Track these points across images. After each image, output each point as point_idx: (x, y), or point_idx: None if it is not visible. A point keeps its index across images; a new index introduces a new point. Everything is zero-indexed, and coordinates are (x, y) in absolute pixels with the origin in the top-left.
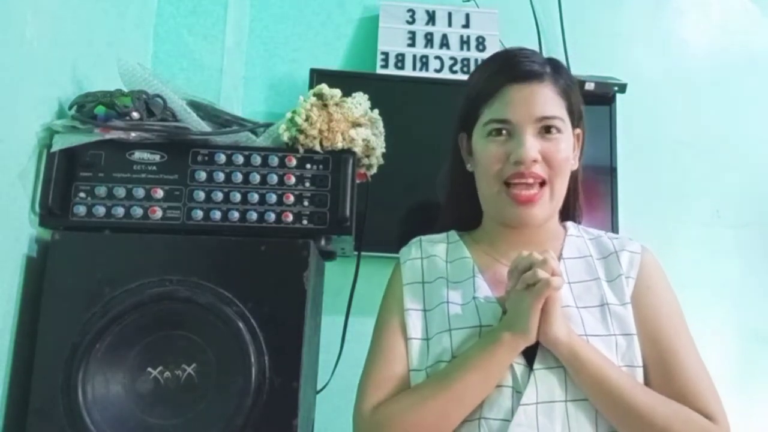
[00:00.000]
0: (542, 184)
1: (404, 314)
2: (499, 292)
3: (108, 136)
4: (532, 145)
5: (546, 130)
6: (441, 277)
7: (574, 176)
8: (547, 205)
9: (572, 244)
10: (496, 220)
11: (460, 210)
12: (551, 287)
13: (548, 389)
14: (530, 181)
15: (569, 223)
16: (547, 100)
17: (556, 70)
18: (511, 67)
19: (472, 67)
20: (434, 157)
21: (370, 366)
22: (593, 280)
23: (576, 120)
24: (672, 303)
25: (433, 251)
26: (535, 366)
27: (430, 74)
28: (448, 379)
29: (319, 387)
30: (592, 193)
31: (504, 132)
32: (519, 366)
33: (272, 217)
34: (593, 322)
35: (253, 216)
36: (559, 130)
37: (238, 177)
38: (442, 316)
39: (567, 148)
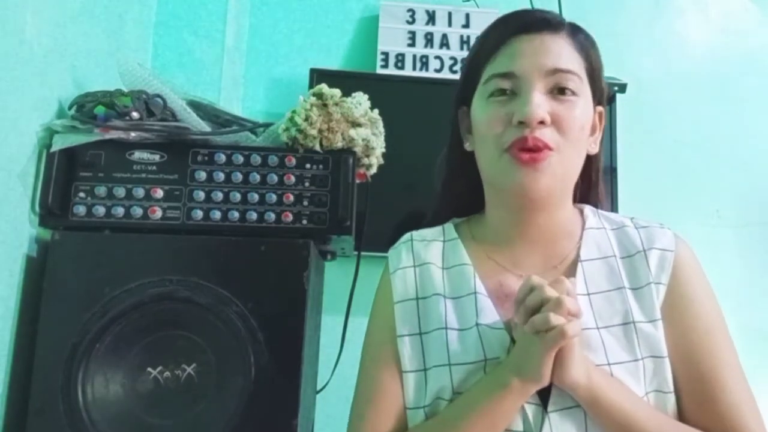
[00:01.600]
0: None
1: (397, 342)
2: (506, 311)
3: (108, 136)
4: (539, 103)
5: (559, 90)
6: (437, 294)
7: (594, 163)
8: (556, 173)
9: (591, 240)
10: (499, 199)
11: (457, 197)
12: (566, 337)
13: None
14: (534, 148)
15: (587, 209)
16: (562, 52)
17: (576, 27)
18: (519, 17)
19: None
20: (434, 157)
21: (361, 403)
22: (616, 289)
23: (598, 94)
24: (710, 312)
25: (426, 256)
26: (550, 408)
27: (430, 74)
28: (451, 426)
29: (319, 387)
30: None
31: (508, 91)
32: (531, 406)
33: (272, 217)
34: (616, 347)
35: (253, 216)
36: (574, 93)
37: (238, 177)
38: (440, 346)
39: (583, 115)
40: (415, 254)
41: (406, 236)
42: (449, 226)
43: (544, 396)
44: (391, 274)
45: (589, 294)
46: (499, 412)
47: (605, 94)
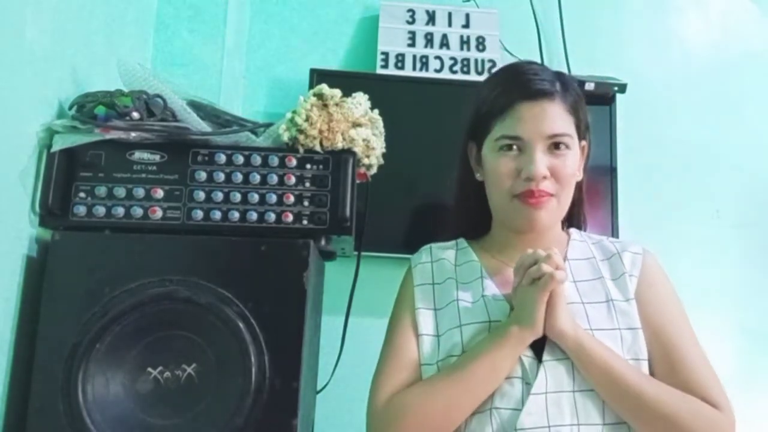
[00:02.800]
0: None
1: (415, 312)
2: (507, 291)
3: (108, 136)
4: (541, 162)
5: (555, 146)
6: (450, 278)
7: (578, 186)
8: (554, 210)
9: (576, 247)
10: (505, 226)
11: (468, 218)
12: (555, 280)
13: (557, 380)
14: (540, 197)
15: (573, 230)
16: (557, 118)
17: (565, 86)
18: (522, 85)
19: (472, 67)
20: (434, 157)
21: (383, 361)
22: (598, 278)
23: (582, 133)
24: (673, 299)
25: (442, 255)
26: (544, 358)
27: (430, 74)
28: (459, 371)
29: (319, 387)
30: (592, 193)
31: (515, 147)
32: (527, 358)
33: (272, 217)
34: (598, 317)
35: (253, 216)
36: (567, 147)
37: (238, 177)
38: (452, 314)
39: (574, 164)
40: (432, 255)
41: (426, 246)
42: (461, 240)
43: (539, 352)
44: (413, 268)
45: (575, 281)
46: (500, 357)
47: (588, 129)
